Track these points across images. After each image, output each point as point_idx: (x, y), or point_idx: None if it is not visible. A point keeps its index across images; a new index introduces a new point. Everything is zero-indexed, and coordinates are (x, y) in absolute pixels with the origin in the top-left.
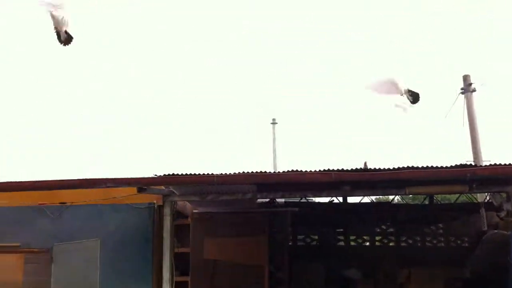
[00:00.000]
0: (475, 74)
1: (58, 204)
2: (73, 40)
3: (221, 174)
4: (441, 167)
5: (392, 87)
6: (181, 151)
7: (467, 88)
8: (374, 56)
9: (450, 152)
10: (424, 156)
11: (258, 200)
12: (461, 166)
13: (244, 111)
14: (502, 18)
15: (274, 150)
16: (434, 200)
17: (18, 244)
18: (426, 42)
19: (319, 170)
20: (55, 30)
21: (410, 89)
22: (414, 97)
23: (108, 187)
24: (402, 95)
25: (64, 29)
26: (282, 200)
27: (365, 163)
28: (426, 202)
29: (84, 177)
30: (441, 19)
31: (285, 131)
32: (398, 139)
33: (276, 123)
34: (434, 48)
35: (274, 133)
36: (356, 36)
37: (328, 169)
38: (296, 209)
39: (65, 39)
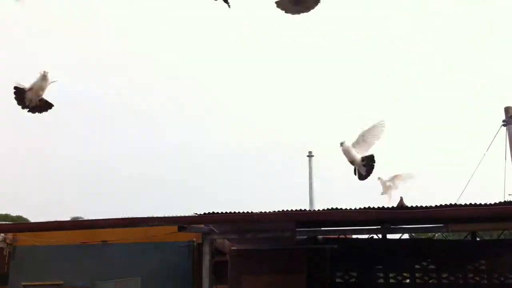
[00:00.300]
0: None
1: (99, 243)
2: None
3: (261, 212)
4: (485, 204)
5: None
6: (215, 186)
7: (509, 120)
8: (374, 56)
9: (492, 188)
10: (462, 190)
11: (297, 237)
12: (505, 203)
13: (282, 145)
14: (502, 18)
15: (311, 184)
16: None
17: (61, 282)
18: (426, 42)
19: (359, 208)
20: (15, 89)
21: (364, 156)
22: (368, 168)
23: (150, 226)
24: (355, 169)
25: (41, 94)
26: (321, 237)
27: (401, 198)
28: (468, 238)
29: (125, 216)
30: (441, 19)
31: (322, 164)
32: (434, 171)
33: (313, 155)
34: (434, 48)
35: (310, 166)
36: (356, 36)
37: (369, 207)
38: (335, 246)
39: (37, 105)
